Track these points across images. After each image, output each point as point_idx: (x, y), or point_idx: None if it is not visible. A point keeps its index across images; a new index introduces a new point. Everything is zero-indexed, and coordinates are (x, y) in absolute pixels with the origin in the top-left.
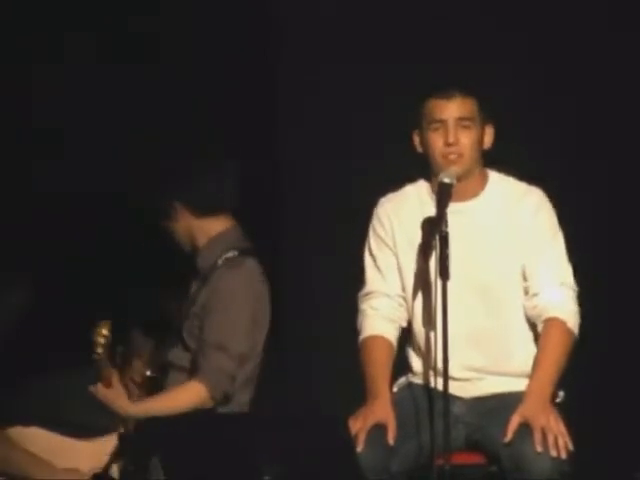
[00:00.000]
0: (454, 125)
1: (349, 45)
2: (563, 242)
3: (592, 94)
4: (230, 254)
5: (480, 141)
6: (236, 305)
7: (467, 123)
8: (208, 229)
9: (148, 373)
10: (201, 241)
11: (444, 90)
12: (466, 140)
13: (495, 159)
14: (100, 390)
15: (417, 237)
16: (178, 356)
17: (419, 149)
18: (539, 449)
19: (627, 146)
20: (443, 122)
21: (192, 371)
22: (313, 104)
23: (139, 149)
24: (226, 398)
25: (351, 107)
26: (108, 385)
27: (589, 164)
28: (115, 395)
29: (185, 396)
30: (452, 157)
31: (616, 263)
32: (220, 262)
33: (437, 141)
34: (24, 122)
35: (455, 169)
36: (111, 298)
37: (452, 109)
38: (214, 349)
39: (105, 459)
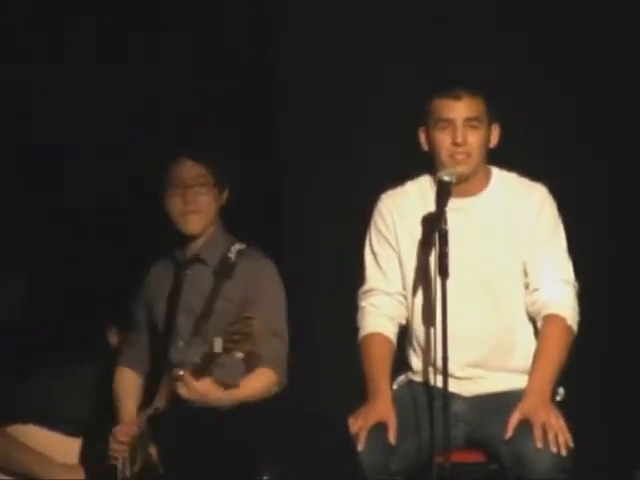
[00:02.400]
0: (462, 125)
1: (349, 45)
2: (564, 239)
3: (592, 94)
4: (238, 246)
5: (487, 140)
6: (279, 293)
7: (475, 123)
8: (213, 224)
9: (181, 372)
10: (209, 232)
11: (452, 89)
12: (474, 140)
13: (495, 159)
14: (193, 383)
15: (419, 233)
16: (199, 353)
17: (425, 147)
18: (539, 446)
19: (627, 146)
20: (451, 122)
21: (247, 363)
22: (313, 104)
23: (139, 149)
24: (284, 384)
25: (351, 107)
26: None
27: (589, 164)
28: (209, 386)
29: (260, 383)
30: (459, 157)
31: (616, 263)
32: (232, 256)
33: (444, 140)
34: (24, 122)
35: (460, 169)
36: (112, 299)
37: (460, 109)
38: (271, 337)
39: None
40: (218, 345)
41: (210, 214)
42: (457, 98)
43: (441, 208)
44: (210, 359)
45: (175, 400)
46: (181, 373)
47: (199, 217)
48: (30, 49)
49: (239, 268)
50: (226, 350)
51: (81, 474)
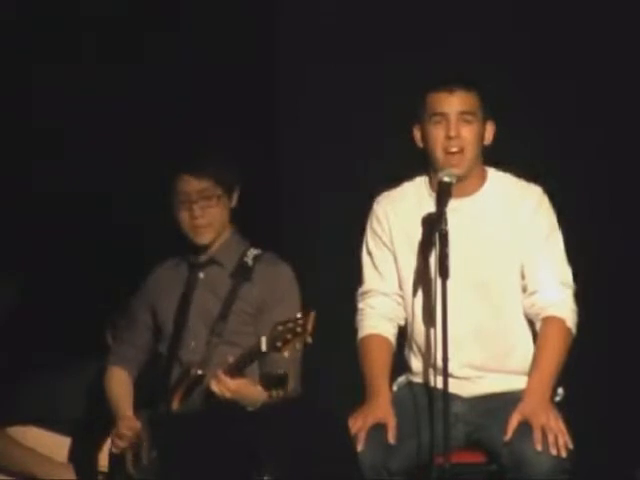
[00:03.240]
0: (456, 119)
1: (349, 45)
2: (562, 241)
3: (592, 94)
4: (254, 251)
5: (481, 136)
6: (295, 298)
7: (469, 117)
8: (227, 228)
9: (200, 372)
10: (219, 239)
11: (446, 83)
12: (467, 134)
13: (495, 159)
14: (227, 380)
15: (415, 234)
16: (217, 354)
17: (419, 144)
18: (539, 448)
19: (627, 146)
20: (445, 115)
21: None
22: (313, 104)
23: (139, 149)
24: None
25: (350, 107)
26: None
27: (589, 164)
28: (242, 383)
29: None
30: (453, 150)
31: (616, 263)
32: (249, 260)
33: (438, 134)
34: (24, 122)
35: (455, 171)
36: (111, 299)
37: (454, 102)
38: None
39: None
40: (264, 344)
41: (221, 223)
42: (451, 91)
43: (441, 209)
44: (253, 357)
45: (206, 398)
46: (200, 372)
47: (210, 229)
48: (30, 49)
49: (257, 272)
50: (275, 349)
51: None
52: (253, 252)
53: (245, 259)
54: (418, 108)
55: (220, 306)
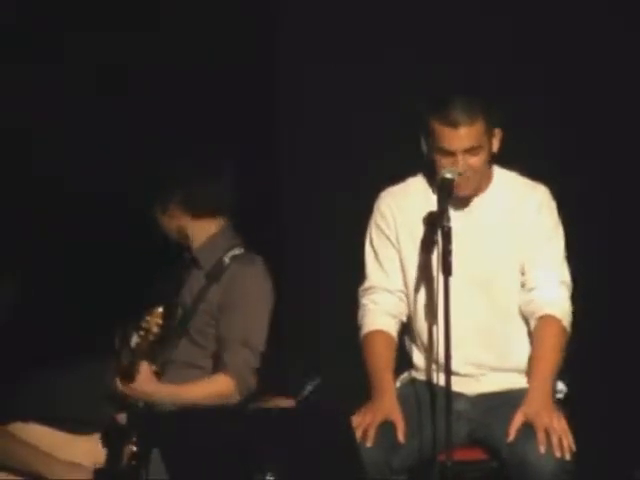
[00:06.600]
0: (462, 154)
1: (349, 45)
2: (563, 241)
3: (593, 94)
4: (236, 251)
5: (489, 154)
6: (256, 301)
7: (476, 151)
8: (207, 228)
9: (154, 368)
10: (198, 239)
11: (449, 113)
12: (476, 162)
13: (495, 159)
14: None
15: (420, 230)
16: (184, 353)
17: (426, 155)
18: (543, 450)
19: (627, 146)
20: (451, 152)
21: (215, 367)
22: (313, 104)
23: (139, 149)
24: (249, 392)
25: (351, 107)
26: (130, 373)
27: (589, 164)
28: (144, 378)
29: (214, 388)
30: (461, 181)
31: (616, 262)
32: (227, 260)
33: (445, 164)
34: (23, 121)
35: (462, 194)
36: (112, 298)
37: (460, 140)
38: (239, 345)
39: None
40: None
41: (201, 234)
42: (456, 126)
43: (443, 205)
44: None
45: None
46: (154, 369)
47: (187, 240)
48: (30, 49)
49: (227, 272)
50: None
51: (83, 472)
52: (234, 252)
53: (224, 258)
54: (422, 125)
55: (189, 305)
